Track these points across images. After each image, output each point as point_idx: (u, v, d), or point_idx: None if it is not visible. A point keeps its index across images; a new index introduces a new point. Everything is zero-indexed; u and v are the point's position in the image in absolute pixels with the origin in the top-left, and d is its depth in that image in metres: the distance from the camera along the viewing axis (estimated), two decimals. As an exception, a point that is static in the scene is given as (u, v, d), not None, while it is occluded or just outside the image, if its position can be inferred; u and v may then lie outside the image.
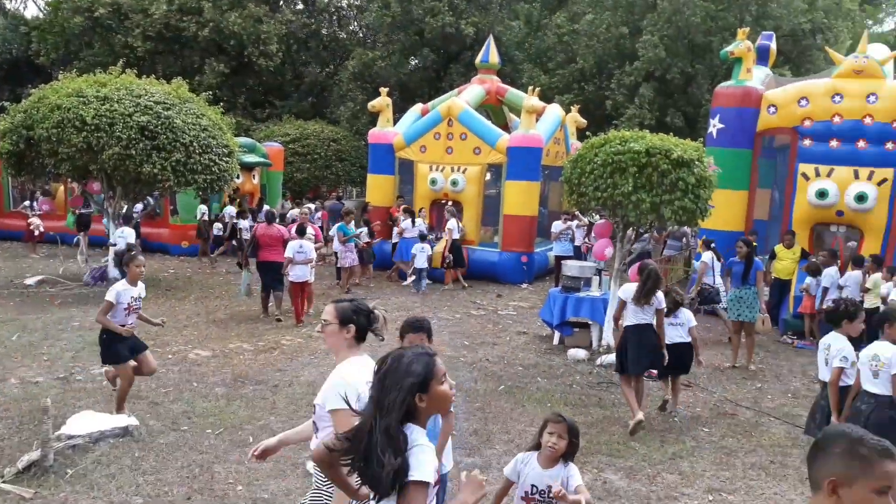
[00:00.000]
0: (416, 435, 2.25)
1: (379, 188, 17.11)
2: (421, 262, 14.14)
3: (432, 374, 2.29)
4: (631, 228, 9.96)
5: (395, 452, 2.14)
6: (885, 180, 11.75)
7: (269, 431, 6.45)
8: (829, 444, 1.93)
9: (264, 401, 7.38)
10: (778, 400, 8.33)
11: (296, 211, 18.06)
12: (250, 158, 19.04)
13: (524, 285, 15.45)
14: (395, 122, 17.59)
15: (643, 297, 7.00)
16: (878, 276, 10.47)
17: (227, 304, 12.33)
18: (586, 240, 15.68)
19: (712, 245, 11.78)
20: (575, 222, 15.71)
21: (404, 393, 2.22)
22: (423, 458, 2.20)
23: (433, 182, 16.13)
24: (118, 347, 6.48)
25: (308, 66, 33.26)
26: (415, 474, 2.16)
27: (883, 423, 4.85)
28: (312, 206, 19.95)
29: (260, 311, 11.53)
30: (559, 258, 14.62)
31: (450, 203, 16.41)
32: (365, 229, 14.85)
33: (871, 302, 10.10)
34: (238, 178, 17.79)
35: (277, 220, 13.08)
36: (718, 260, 11.55)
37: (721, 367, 9.62)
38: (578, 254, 15.24)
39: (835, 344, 5.50)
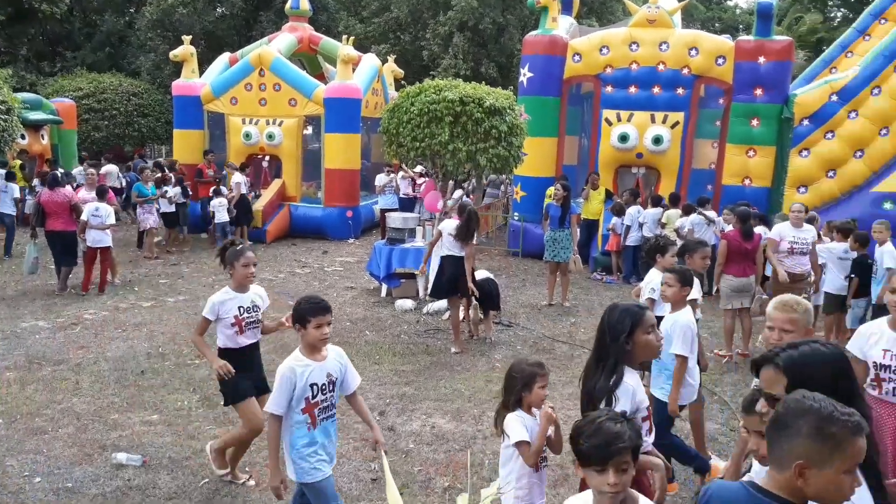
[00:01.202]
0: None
1: (187, 144, 16.05)
2: (221, 217, 13.67)
3: (639, 324, 3.07)
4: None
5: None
6: (677, 123, 12.73)
7: (71, 414, 5.89)
8: (795, 421, 1.76)
9: (66, 381, 6.72)
10: (591, 333, 8.82)
11: (79, 170, 16.38)
12: (36, 116, 17.06)
13: (350, 240, 15.27)
14: (202, 73, 16.49)
15: (467, 235, 7.66)
16: (672, 211, 11.38)
17: (18, 280, 11.07)
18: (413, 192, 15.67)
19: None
20: (400, 174, 15.68)
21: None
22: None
23: (247, 136, 15.36)
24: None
25: (102, 14, 30.25)
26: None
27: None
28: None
29: (58, 285, 10.45)
30: (384, 211, 14.56)
31: (266, 158, 15.77)
32: (178, 189, 13.82)
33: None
34: (23, 138, 15.93)
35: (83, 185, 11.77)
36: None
37: (538, 306, 10.09)
38: (404, 206, 15.24)
39: (647, 277, 5.85)
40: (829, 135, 12.12)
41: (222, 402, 4.93)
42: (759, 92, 12.43)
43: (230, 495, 4.69)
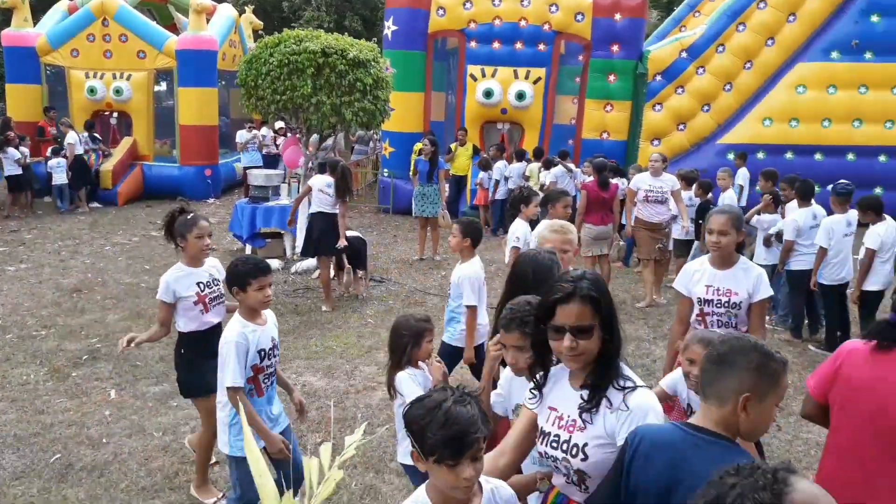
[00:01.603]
0: None
1: (22, 100, 14.63)
2: (59, 179, 12.87)
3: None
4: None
5: None
6: (539, 79, 12.98)
7: None
8: (739, 359, 1.85)
9: None
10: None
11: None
12: None
13: (211, 200, 14.60)
14: (36, 22, 15.02)
15: (345, 192, 7.66)
16: (535, 165, 11.66)
17: None
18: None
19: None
20: (264, 129, 15.08)
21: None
22: None
23: (91, 91, 14.20)
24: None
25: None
26: None
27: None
28: None
29: None
30: (247, 169, 13.99)
31: (115, 115, 14.69)
32: (26, 150, 12.60)
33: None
34: None
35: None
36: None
37: (409, 260, 10.10)
38: (269, 164, 14.69)
39: (511, 227, 5.93)
40: (680, 90, 12.79)
41: (180, 393, 4.25)
42: (615, 48, 12.87)
43: (86, 469, 4.39)
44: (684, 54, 12.82)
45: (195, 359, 3.98)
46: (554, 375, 2.22)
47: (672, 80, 12.81)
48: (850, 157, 12.30)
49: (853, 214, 6.66)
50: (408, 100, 12.94)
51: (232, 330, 3.35)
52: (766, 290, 3.74)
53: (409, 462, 3.02)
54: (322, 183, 7.78)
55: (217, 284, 4.12)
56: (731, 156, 12.07)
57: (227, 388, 3.32)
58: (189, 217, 4.06)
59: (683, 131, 12.79)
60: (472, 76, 13.12)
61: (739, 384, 1.83)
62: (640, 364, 6.35)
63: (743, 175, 10.51)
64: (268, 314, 3.55)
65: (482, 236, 4.90)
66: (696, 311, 3.84)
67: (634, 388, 2.05)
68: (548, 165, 11.43)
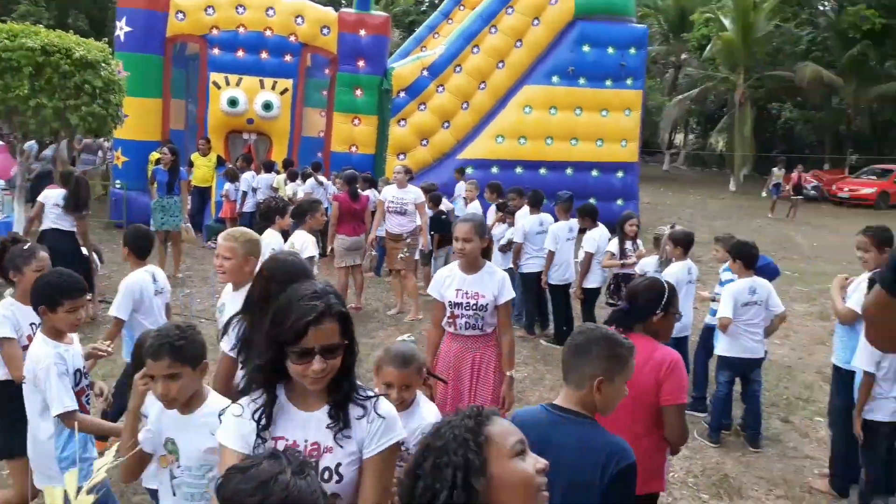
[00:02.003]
0: None
1: None
2: None
3: None
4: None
5: None
6: (286, 90, 12.86)
7: None
8: (592, 346, 2.19)
9: None
10: (206, 302, 8.57)
11: None
12: None
13: None
14: None
15: (77, 206, 6.96)
16: (280, 176, 11.58)
17: None
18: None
19: None
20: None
21: None
22: None
23: None
24: None
25: None
26: None
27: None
28: None
29: None
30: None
31: None
32: None
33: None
34: None
35: None
36: None
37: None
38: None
39: (265, 239, 5.79)
40: (422, 107, 13.44)
41: None
42: (361, 63, 13.18)
43: None
44: (425, 73, 13.50)
45: (16, 413, 3.24)
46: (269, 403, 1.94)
47: (415, 97, 13.42)
48: (569, 171, 13.81)
49: (574, 222, 7.53)
50: (143, 106, 12.09)
51: (42, 351, 2.95)
52: (509, 293, 4.03)
53: None
54: (57, 196, 6.99)
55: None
56: (469, 170, 12.93)
57: (59, 416, 2.91)
58: (26, 248, 3.50)
59: (426, 146, 13.46)
60: (216, 84, 12.63)
61: (593, 369, 2.17)
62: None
63: (461, 188, 10.97)
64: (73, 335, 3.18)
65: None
66: (447, 313, 4.03)
67: (376, 396, 2.00)
68: (293, 177, 11.36)
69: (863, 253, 4.57)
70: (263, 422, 1.89)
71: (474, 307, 3.97)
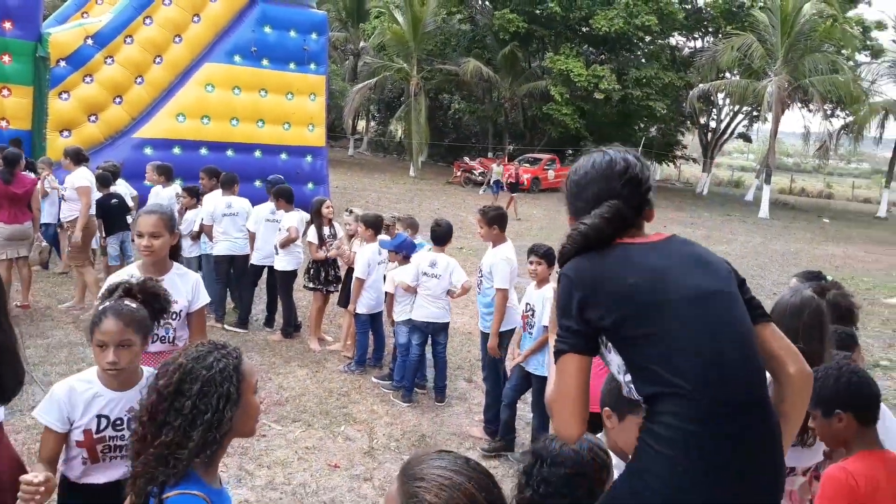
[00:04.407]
0: None
1: None
2: None
3: None
4: None
5: None
6: None
7: None
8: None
9: None
10: None
11: None
12: None
13: None
14: None
15: None
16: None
17: None
18: None
19: None
20: None
21: None
22: None
23: None
24: None
25: None
26: None
27: None
28: None
29: None
30: None
31: None
32: None
33: None
34: None
35: None
36: None
37: None
38: None
39: None
40: (88, 78, 12.10)
41: None
42: (7, 25, 11.44)
43: None
44: (90, 41, 12.15)
45: None
46: None
47: (79, 68, 12.01)
48: (258, 154, 13.55)
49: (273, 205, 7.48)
50: None
51: None
52: (205, 296, 3.47)
53: None
54: None
55: None
56: (148, 150, 12.02)
57: None
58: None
59: (96, 123, 12.17)
60: None
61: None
62: (77, 370, 5.92)
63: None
64: None
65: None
66: None
67: None
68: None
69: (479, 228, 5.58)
70: None
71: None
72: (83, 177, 7.68)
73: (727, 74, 31.46)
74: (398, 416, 5.73)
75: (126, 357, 2.41)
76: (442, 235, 6.10)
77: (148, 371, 2.51)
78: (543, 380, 5.01)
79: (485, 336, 5.53)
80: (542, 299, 4.98)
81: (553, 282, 5.06)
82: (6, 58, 11.46)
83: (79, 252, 7.52)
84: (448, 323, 6.23)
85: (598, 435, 2.18)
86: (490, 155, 32.22)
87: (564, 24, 30.80)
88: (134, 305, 2.46)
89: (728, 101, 33.98)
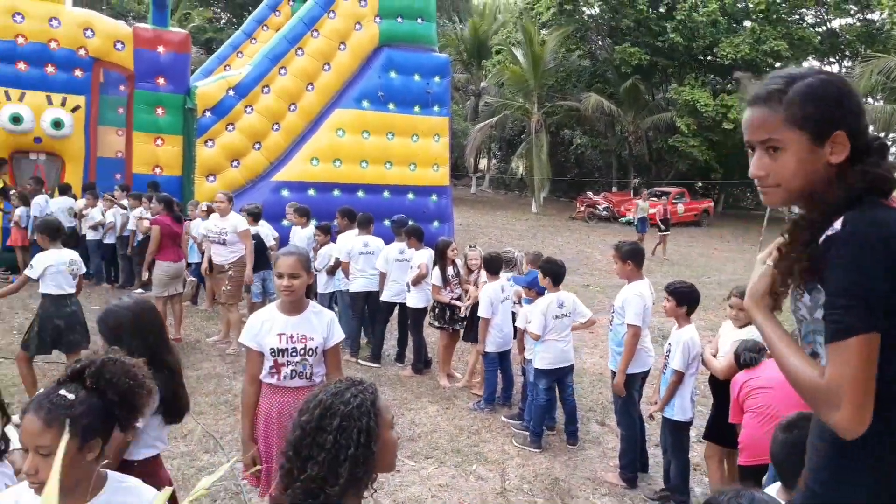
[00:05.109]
0: None
1: None
2: None
3: None
4: None
5: None
6: (78, 107, 11.84)
7: None
8: None
9: None
10: (3, 339, 7.68)
11: None
12: None
13: None
14: None
15: None
16: (81, 201, 10.70)
17: None
18: None
19: None
20: None
21: None
22: None
23: None
24: None
25: None
26: None
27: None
28: None
29: None
30: None
31: None
32: None
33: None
34: None
35: None
36: None
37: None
38: None
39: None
40: (230, 127, 12.96)
41: None
42: (161, 81, 12.48)
43: None
44: (231, 92, 13.04)
45: None
46: None
47: (222, 117, 12.91)
48: (386, 194, 13.96)
49: (404, 244, 7.64)
50: None
51: None
52: (339, 334, 3.59)
53: None
54: None
55: None
56: (285, 192, 12.66)
57: None
58: None
59: (238, 168, 12.98)
60: (-7, 99, 11.34)
61: None
62: (224, 401, 6.24)
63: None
64: None
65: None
66: (269, 363, 3.46)
67: None
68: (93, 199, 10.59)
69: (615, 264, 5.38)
70: None
71: (301, 352, 3.45)
72: (244, 221, 8.02)
73: (869, 100, 29.50)
74: (529, 458, 5.62)
75: (45, 468, 1.71)
76: (556, 273, 5.96)
77: (115, 480, 2.01)
78: (674, 423, 4.80)
79: (614, 376, 5.34)
80: (677, 340, 4.78)
81: (691, 324, 4.85)
82: (160, 110, 12.48)
83: (237, 291, 7.91)
84: (573, 365, 6.09)
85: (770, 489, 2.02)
86: (614, 189, 31.66)
87: (688, 54, 30.02)
88: (71, 397, 1.81)
89: (872, 127, 31.81)
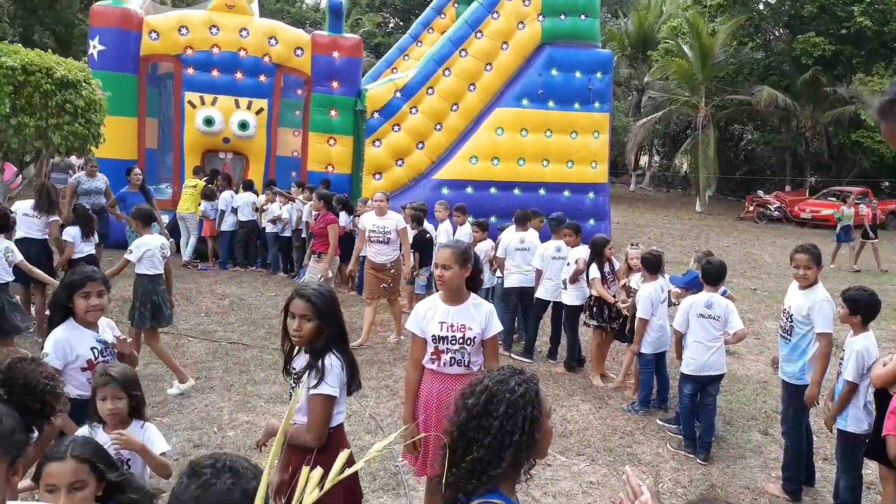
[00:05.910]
0: None
1: None
2: None
3: None
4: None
5: None
6: (261, 110, 12.90)
7: None
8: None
9: None
10: (193, 320, 8.57)
11: None
12: None
13: None
14: None
15: (50, 207, 7.34)
16: (263, 197, 11.65)
17: None
18: None
19: None
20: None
21: None
22: None
23: None
24: None
25: None
26: None
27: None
28: None
29: None
30: None
31: None
32: None
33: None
34: None
35: None
36: None
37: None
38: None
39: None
40: (396, 128, 13.56)
41: None
42: (335, 84, 13.29)
43: None
44: (398, 94, 13.64)
45: None
46: None
47: (389, 118, 13.53)
48: (542, 192, 14.04)
49: (561, 242, 7.67)
50: (119, 124, 11.96)
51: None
52: (497, 325, 3.77)
53: None
54: (26, 206, 7.34)
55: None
56: (445, 190, 13.09)
57: None
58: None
59: (402, 167, 13.57)
60: (191, 103, 12.61)
61: None
62: (384, 385, 6.64)
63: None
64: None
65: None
66: (431, 349, 3.69)
67: None
68: (272, 195, 11.49)
69: (803, 270, 4.85)
70: None
71: (460, 341, 3.66)
72: (402, 219, 8.34)
73: None
74: (685, 462, 5.52)
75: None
76: (715, 275, 5.70)
77: None
78: (846, 434, 4.51)
79: (786, 386, 5.06)
80: (850, 349, 4.50)
81: (867, 332, 4.55)
82: (334, 112, 13.31)
83: (397, 286, 8.27)
84: (722, 374, 5.78)
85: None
86: (787, 188, 29.66)
87: (878, 41, 27.43)
88: None
89: None
